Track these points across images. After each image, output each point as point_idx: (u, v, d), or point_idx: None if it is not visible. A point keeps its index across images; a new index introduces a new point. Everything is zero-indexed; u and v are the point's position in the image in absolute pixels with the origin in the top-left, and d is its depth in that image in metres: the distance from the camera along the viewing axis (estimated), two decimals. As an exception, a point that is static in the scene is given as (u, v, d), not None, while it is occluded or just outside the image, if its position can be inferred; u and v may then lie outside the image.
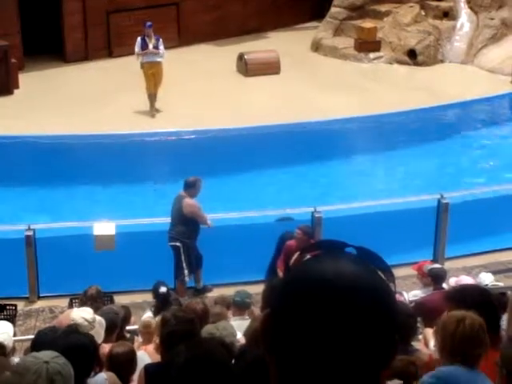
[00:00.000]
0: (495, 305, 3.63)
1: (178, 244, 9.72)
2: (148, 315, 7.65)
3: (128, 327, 6.99)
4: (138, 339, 6.80)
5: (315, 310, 1.14)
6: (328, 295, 1.14)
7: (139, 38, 14.69)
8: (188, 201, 9.77)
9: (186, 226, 9.76)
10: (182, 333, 4.34)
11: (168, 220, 9.96)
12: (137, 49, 14.63)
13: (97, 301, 7.48)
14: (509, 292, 6.98)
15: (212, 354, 2.74)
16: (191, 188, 9.85)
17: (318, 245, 1.26)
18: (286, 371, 1.18)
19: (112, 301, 8.71)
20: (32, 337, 6.08)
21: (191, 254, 9.81)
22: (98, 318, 5.91)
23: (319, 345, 1.14)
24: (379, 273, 1.20)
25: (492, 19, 18.50)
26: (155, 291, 8.07)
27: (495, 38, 18.36)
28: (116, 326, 6.30)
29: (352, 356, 1.14)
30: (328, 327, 1.14)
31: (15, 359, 5.38)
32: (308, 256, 1.24)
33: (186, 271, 9.75)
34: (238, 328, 5.65)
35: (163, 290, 7.94)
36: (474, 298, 3.64)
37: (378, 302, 1.16)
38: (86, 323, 5.60)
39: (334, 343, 1.14)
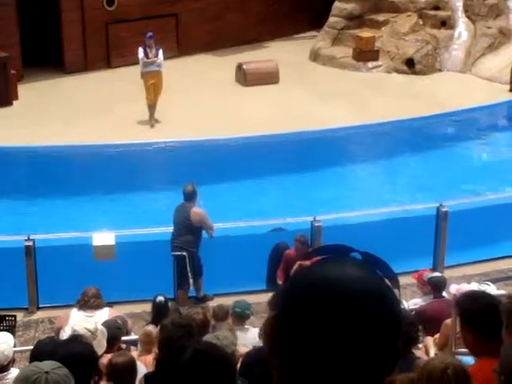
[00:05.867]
0: (498, 312, 3.62)
1: (183, 253, 9.70)
2: (150, 326, 7.63)
3: (123, 337, 6.97)
4: (134, 350, 6.78)
5: (320, 314, 1.14)
6: (333, 299, 1.15)
7: (141, 48, 14.73)
8: (196, 210, 9.77)
9: (193, 235, 9.74)
10: (179, 338, 4.32)
11: (168, 230, 9.93)
12: (141, 55, 14.64)
13: (98, 297, 7.52)
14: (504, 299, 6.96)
15: (218, 349, 2.77)
16: (194, 196, 9.85)
17: (323, 249, 1.26)
18: (289, 374, 1.17)
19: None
20: (31, 348, 6.06)
21: (195, 263, 9.80)
22: (100, 327, 5.92)
23: (323, 349, 1.14)
24: (384, 278, 1.20)
25: (489, 28, 18.55)
26: (153, 302, 8.08)
27: (493, 47, 18.41)
28: (118, 340, 6.30)
29: (355, 361, 1.14)
30: (332, 331, 1.14)
31: (15, 370, 5.37)
32: (310, 262, 1.24)
33: (191, 280, 9.74)
34: (238, 338, 5.64)
35: (160, 298, 7.95)
36: (481, 305, 3.65)
37: (383, 307, 1.16)
38: (88, 333, 5.60)
39: (338, 347, 1.14)
